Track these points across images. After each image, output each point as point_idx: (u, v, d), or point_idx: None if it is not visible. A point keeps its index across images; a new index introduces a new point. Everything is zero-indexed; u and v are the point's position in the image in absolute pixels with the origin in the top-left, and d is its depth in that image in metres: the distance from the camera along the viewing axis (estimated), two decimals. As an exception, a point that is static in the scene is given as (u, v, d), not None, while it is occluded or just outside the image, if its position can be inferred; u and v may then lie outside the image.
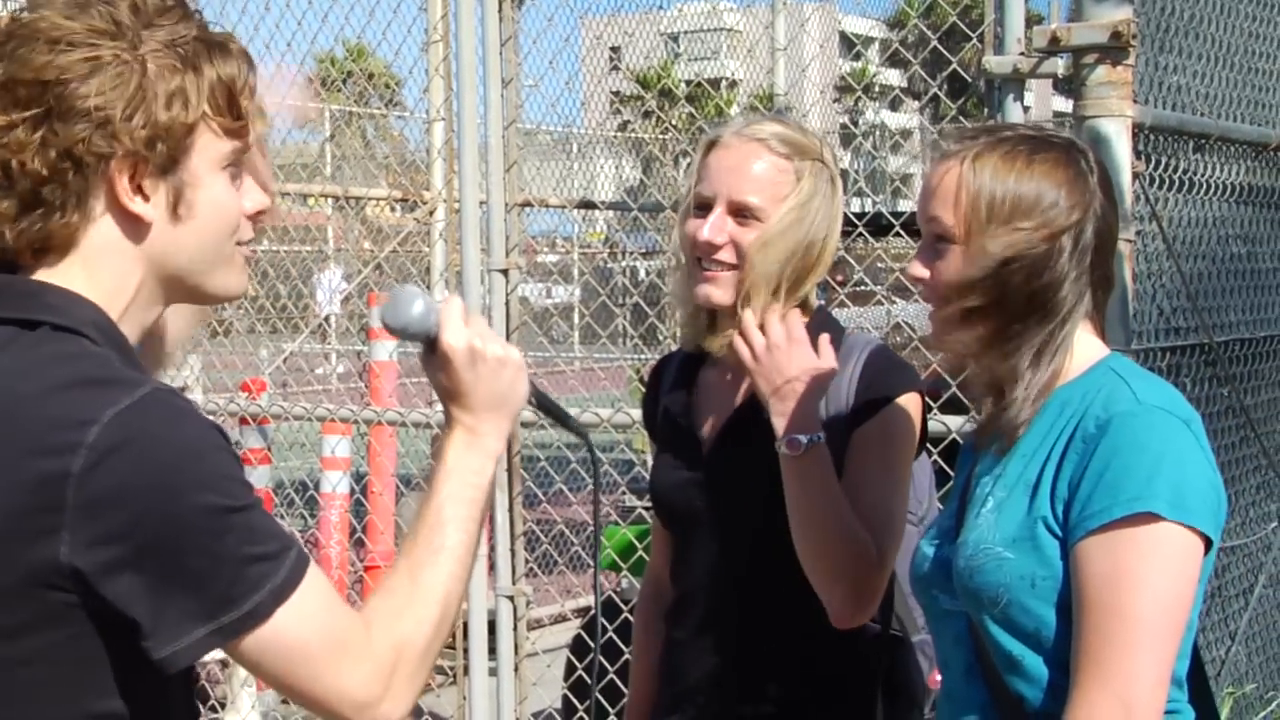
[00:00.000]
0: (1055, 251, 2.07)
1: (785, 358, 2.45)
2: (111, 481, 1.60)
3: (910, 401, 2.56)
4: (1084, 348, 2.13)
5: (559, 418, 2.15)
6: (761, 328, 2.48)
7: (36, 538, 1.61)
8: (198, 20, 1.77)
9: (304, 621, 1.69)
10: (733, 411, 2.63)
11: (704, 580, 2.64)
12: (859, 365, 2.56)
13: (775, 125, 2.59)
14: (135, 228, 1.74)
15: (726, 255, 2.53)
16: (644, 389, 2.94)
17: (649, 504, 2.92)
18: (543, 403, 2.07)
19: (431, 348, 1.95)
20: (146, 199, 1.73)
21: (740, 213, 2.52)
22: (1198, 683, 2.16)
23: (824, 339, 2.49)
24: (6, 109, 1.68)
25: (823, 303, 2.77)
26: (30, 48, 1.68)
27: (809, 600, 2.49)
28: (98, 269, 1.74)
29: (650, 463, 2.83)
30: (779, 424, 2.44)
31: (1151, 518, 1.94)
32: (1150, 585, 1.94)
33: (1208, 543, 1.98)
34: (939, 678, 2.72)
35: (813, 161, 2.57)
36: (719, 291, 2.54)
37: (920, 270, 2.13)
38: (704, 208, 2.55)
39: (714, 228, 2.52)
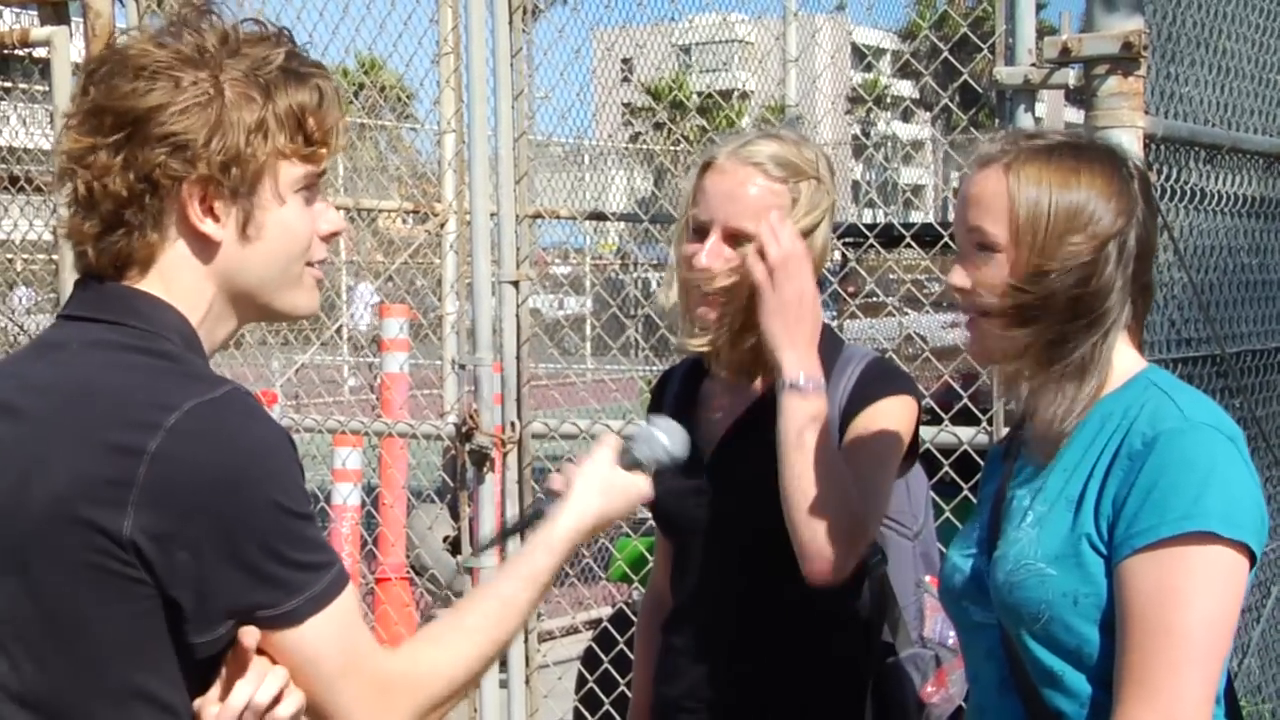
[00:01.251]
0: (1103, 260, 2.04)
1: (806, 305, 2.46)
2: (183, 466, 1.69)
3: (902, 403, 2.58)
4: (1122, 359, 2.10)
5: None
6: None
7: (104, 506, 1.69)
8: (288, 49, 1.85)
9: (331, 635, 1.77)
10: (733, 423, 2.65)
11: (701, 589, 2.66)
12: (855, 373, 2.59)
13: (771, 145, 2.59)
14: (205, 247, 1.83)
15: (721, 280, 2.54)
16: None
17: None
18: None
19: (663, 473, 2.28)
20: (217, 220, 1.82)
21: (735, 238, 2.54)
22: (1229, 699, 2.14)
23: (804, 263, 2.49)
24: (92, 133, 1.79)
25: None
26: (119, 75, 1.78)
27: (805, 609, 2.51)
28: (173, 284, 1.83)
29: None
30: (791, 360, 2.44)
31: (1200, 537, 1.92)
32: (1198, 604, 1.91)
33: (1252, 559, 1.96)
34: (931, 689, 2.73)
35: (808, 180, 2.57)
36: (715, 313, 2.57)
37: (963, 280, 2.10)
38: (701, 231, 2.57)
39: (711, 254, 2.54)
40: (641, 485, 2.23)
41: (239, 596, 1.72)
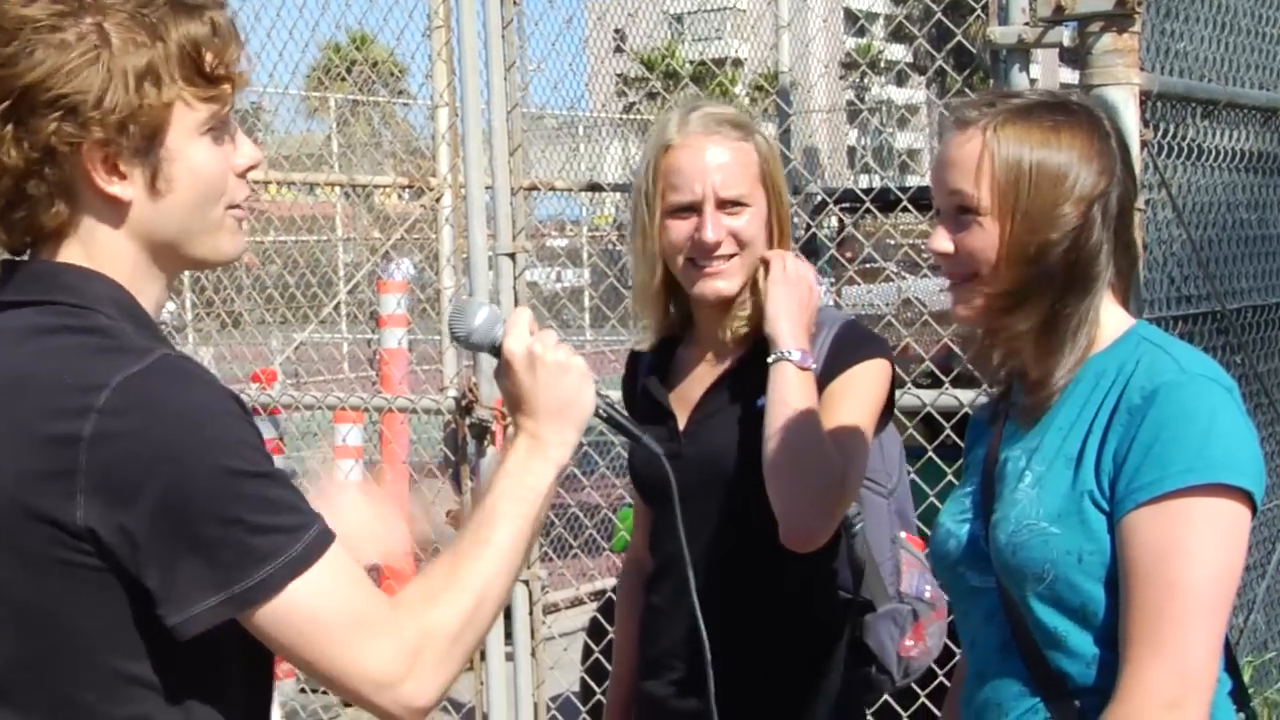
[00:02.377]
0: (1089, 222, 2.03)
1: (811, 294, 2.59)
2: (121, 445, 1.61)
3: (877, 366, 2.63)
4: (1110, 316, 2.10)
5: (628, 433, 2.17)
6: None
7: (54, 498, 1.62)
8: None
9: (321, 596, 1.67)
10: (708, 389, 2.70)
11: (679, 550, 2.67)
12: (829, 338, 2.64)
13: (712, 109, 2.67)
14: (116, 208, 1.73)
15: (728, 248, 2.62)
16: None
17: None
18: (611, 417, 2.08)
19: (499, 357, 1.98)
20: (124, 178, 1.72)
21: (727, 205, 2.61)
22: (1226, 651, 2.14)
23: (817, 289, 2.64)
24: None
25: None
26: None
27: (783, 568, 2.55)
28: (93, 250, 1.74)
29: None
30: (790, 334, 2.54)
31: (1204, 489, 1.91)
32: (1203, 557, 1.91)
33: (1253, 510, 1.96)
34: (909, 644, 2.75)
35: (756, 133, 2.68)
36: (726, 283, 2.63)
37: (945, 244, 2.08)
38: (686, 210, 2.61)
39: (715, 227, 2.60)
40: (574, 363, 1.99)
41: (206, 571, 1.63)
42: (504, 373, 1.97)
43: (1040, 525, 2.02)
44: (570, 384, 1.95)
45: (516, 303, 4.67)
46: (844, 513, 2.57)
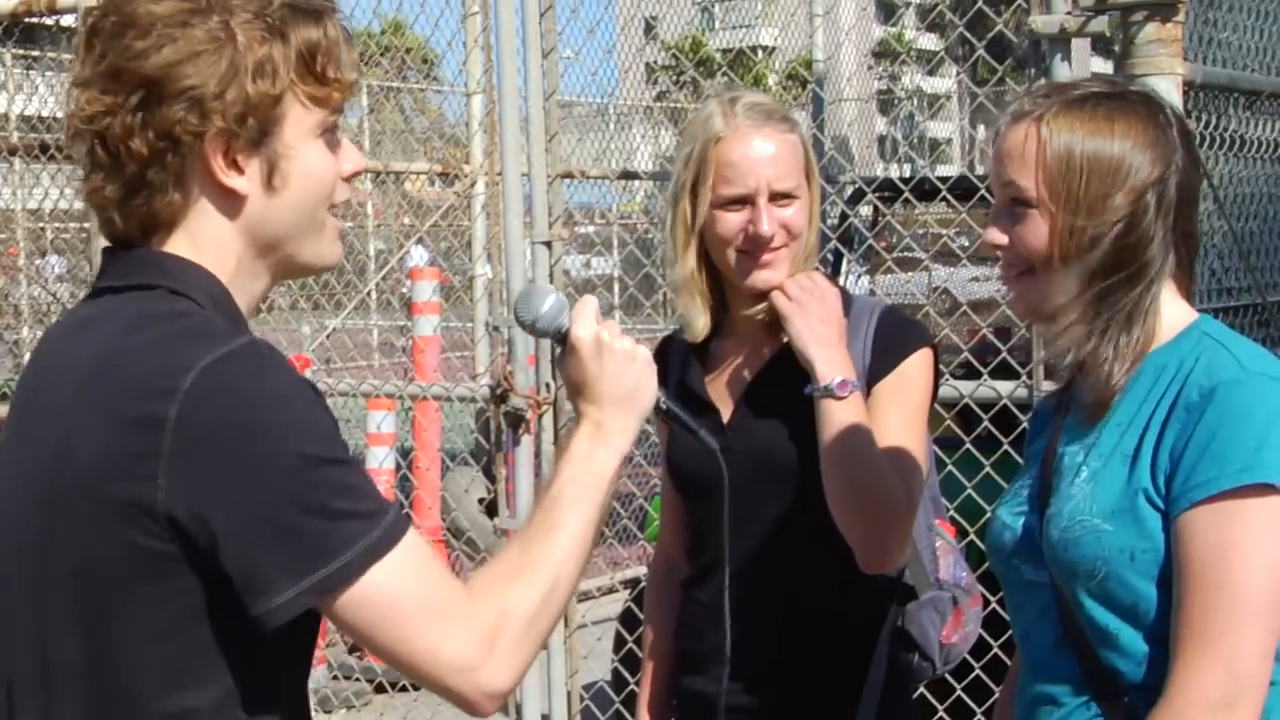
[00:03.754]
0: (1141, 210, 2.01)
1: (828, 307, 2.58)
2: (205, 428, 1.63)
3: (924, 356, 2.66)
4: (1171, 310, 2.07)
5: (685, 426, 2.17)
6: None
7: (134, 481, 1.64)
8: None
9: (400, 582, 1.67)
10: (753, 379, 2.70)
11: (728, 544, 2.66)
12: (872, 326, 2.66)
13: (755, 101, 2.68)
14: (231, 201, 1.79)
15: (780, 239, 2.63)
16: None
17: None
18: (669, 409, 2.09)
19: (563, 344, 2.00)
20: (241, 172, 1.77)
21: (778, 197, 2.62)
22: None
23: (827, 283, 2.64)
24: (108, 93, 1.73)
25: (839, 272, 2.85)
26: (128, 33, 1.73)
27: (828, 561, 2.56)
28: (201, 242, 1.79)
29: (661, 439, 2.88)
30: (827, 370, 2.53)
31: (1260, 489, 1.89)
32: (1259, 557, 1.89)
33: None
34: (949, 631, 2.75)
35: (797, 124, 2.70)
36: (776, 273, 2.64)
37: (999, 236, 2.07)
38: (739, 202, 2.62)
39: (770, 220, 2.61)
40: (634, 350, 2.00)
41: (287, 559, 1.63)
42: (569, 359, 1.97)
43: (1093, 522, 2.00)
44: (635, 372, 1.97)
45: (552, 291, 4.66)
46: (912, 527, 2.59)
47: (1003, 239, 2.07)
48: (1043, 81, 3.44)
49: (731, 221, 2.62)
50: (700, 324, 2.73)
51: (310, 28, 1.78)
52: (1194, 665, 1.89)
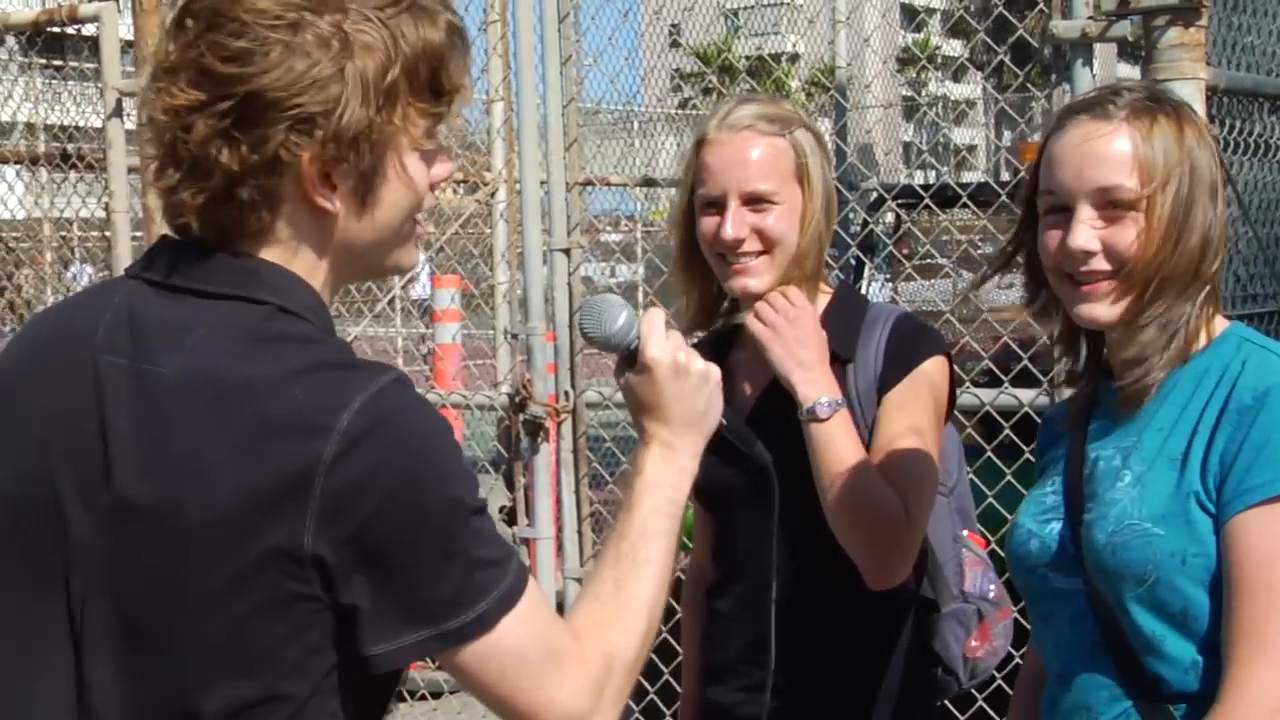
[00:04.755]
0: (1218, 216, 2.03)
1: (804, 326, 2.53)
2: (362, 468, 1.54)
3: (937, 364, 2.59)
4: (1212, 315, 2.08)
5: (744, 443, 2.15)
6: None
7: (278, 523, 1.54)
8: None
9: (526, 632, 1.63)
10: (764, 390, 2.66)
11: (746, 554, 2.66)
12: (885, 333, 2.60)
13: (752, 106, 2.62)
14: (322, 220, 1.65)
15: (752, 245, 2.57)
16: None
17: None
18: (731, 428, 2.07)
19: (630, 360, 1.93)
20: (334, 189, 1.63)
21: (753, 201, 2.56)
22: None
23: (805, 300, 2.56)
24: (196, 89, 1.57)
25: (842, 276, 2.80)
26: (226, 27, 1.57)
27: (840, 570, 2.51)
28: (288, 255, 1.66)
29: None
30: (809, 392, 2.49)
31: None
32: None
33: None
34: (975, 644, 2.71)
35: (800, 128, 2.61)
36: (754, 280, 2.58)
37: (1091, 242, 2.02)
38: (715, 205, 2.58)
39: (735, 224, 2.55)
40: (707, 371, 1.96)
41: (421, 605, 1.57)
42: (641, 379, 1.90)
43: (1143, 526, 1.98)
44: (707, 395, 1.92)
45: (572, 299, 4.65)
46: (919, 541, 2.54)
47: (1095, 244, 2.02)
48: (1059, 97, 3.42)
49: (708, 225, 2.59)
50: (688, 323, 2.71)
51: (429, 29, 1.63)
52: (1249, 670, 1.87)
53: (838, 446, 2.47)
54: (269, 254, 1.65)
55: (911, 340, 2.60)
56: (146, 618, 1.61)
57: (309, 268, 1.67)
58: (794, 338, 2.52)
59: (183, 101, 1.57)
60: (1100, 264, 2.03)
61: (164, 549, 1.58)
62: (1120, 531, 2.00)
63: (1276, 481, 1.89)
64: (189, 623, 1.58)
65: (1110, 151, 2.02)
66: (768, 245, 2.56)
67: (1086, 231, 2.02)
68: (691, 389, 1.90)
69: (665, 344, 1.90)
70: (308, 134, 1.57)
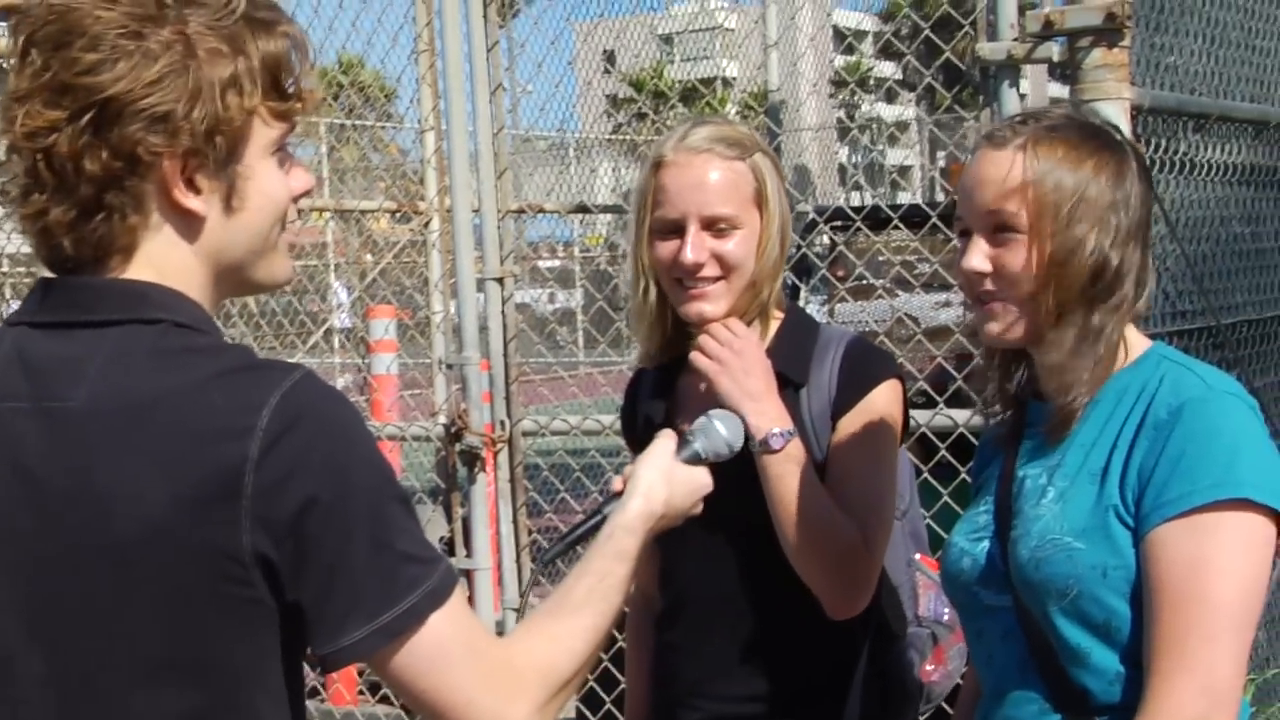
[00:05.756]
0: (1120, 240, 2.05)
1: (749, 358, 2.49)
2: (288, 461, 1.56)
3: (891, 389, 2.56)
4: (1131, 335, 2.12)
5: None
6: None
7: (216, 528, 1.56)
8: None
9: (453, 631, 1.65)
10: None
11: (694, 584, 2.63)
12: (838, 357, 2.57)
13: (708, 128, 2.58)
14: (190, 224, 1.67)
15: (711, 270, 2.53)
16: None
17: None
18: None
19: (711, 461, 2.22)
20: (199, 193, 1.66)
21: (713, 225, 2.52)
22: None
23: (747, 330, 2.54)
24: (53, 108, 1.60)
25: (792, 299, 2.77)
26: (73, 43, 1.60)
27: (797, 598, 2.48)
28: (164, 269, 1.68)
29: None
30: (760, 423, 2.44)
31: (1233, 504, 1.91)
32: (1233, 571, 1.90)
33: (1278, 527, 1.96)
34: (930, 668, 2.71)
35: (758, 152, 2.58)
36: (710, 306, 2.54)
37: (982, 263, 2.07)
38: (672, 230, 2.54)
39: (695, 248, 2.51)
40: (704, 478, 2.20)
41: (356, 599, 1.60)
42: (692, 471, 2.18)
43: (1064, 540, 2.01)
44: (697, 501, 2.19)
45: (506, 327, 4.63)
46: (878, 569, 2.52)
47: (986, 265, 2.08)
48: (987, 118, 3.44)
49: (665, 249, 2.54)
50: (648, 351, 2.68)
51: (269, 39, 1.68)
52: (1170, 681, 1.89)
53: (792, 477, 2.44)
54: (144, 270, 1.67)
55: (864, 365, 2.57)
56: (84, 656, 1.61)
57: (185, 280, 1.69)
58: (740, 369, 2.48)
59: (42, 123, 1.61)
60: (991, 285, 2.08)
61: (101, 576, 1.59)
62: (1042, 546, 2.02)
63: (1193, 494, 1.92)
64: (132, 644, 1.60)
65: (997, 177, 2.06)
66: (726, 270, 2.53)
67: (977, 254, 2.08)
68: (698, 494, 2.17)
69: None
70: (162, 131, 1.61)
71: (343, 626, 1.61)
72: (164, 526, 1.56)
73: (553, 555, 2.20)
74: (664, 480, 2.11)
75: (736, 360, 2.48)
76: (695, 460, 2.21)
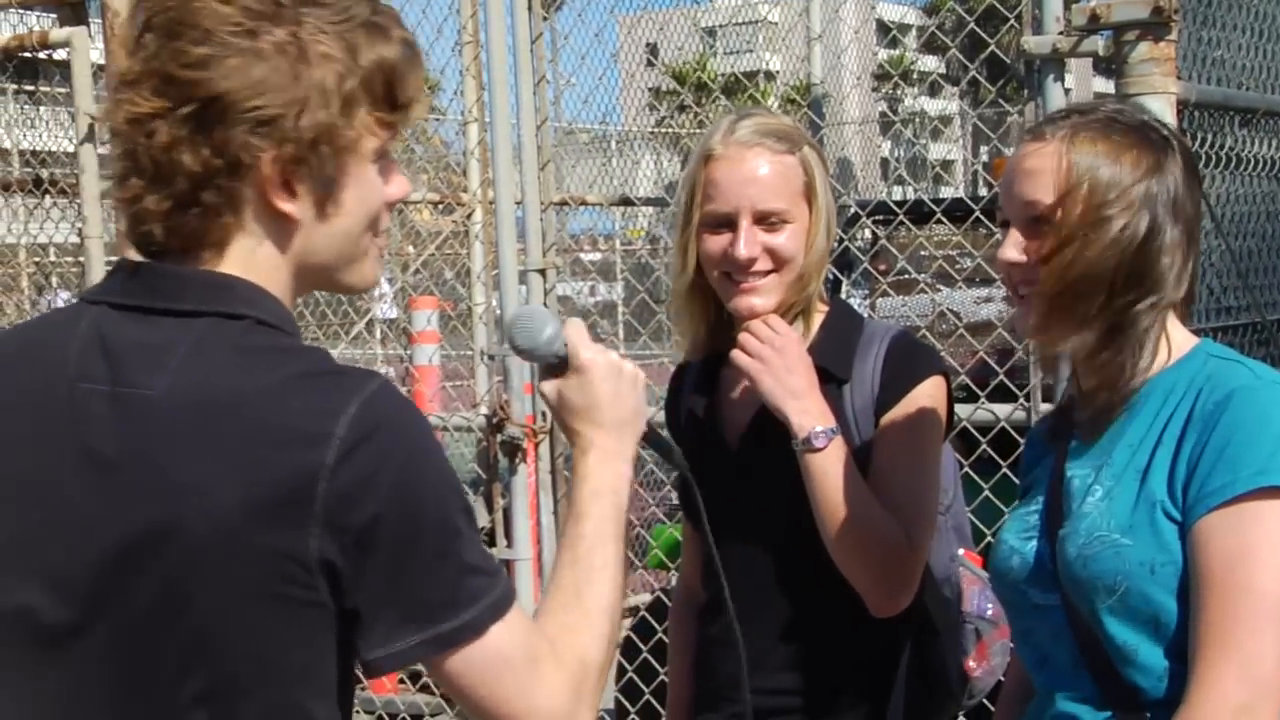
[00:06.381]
0: (1153, 232, 2.04)
1: (791, 356, 2.47)
2: (363, 471, 1.57)
3: (935, 385, 2.56)
4: (1175, 333, 2.10)
5: (664, 449, 2.16)
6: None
7: (284, 531, 1.56)
8: None
9: (512, 640, 1.66)
10: (758, 410, 2.61)
11: (737, 578, 2.62)
12: (882, 352, 2.57)
13: (755, 120, 2.58)
14: (283, 227, 1.68)
15: (762, 264, 2.53)
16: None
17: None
18: (652, 431, 2.06)
19: (556, 369, 1.97)
20: (295, 196, 1.66)
21: (765, 219, 2.53)
22: None
23: (788, 327, 2.52)
24: (159, 97, 1.60)
25: (838, 294, 2.76)
26: (185, 35, 1.60)
27: (839, 593, 2.49)
28: (252, 267, 1.68)
29: None
30: (804, 421, 2.44)
31: (1276, 492, 1.89)
32: (1276, 561, 1.89)
33: None
34: (973, 664, 2.70)
35: (806, 145, 2.58)
36: (761, 300, 2.54)
37: (1017, 254, 2.08)
38: (723, 224, 2.54)
39: (748, 243, 2.52)
40: (622, 367, 1.98)
41: (413, 607, 1.60)
42: (574, 382, 1.94)
43: (1112, 537, 2.00)
44: (638, 395, 1.96)
45: (548, 319, 4.64)
46: (921, 566, 2.52)
47: (1020, 256, 2.08)
48: (1032, 113, 3.43)
49: (715, 242, 2.55)
50: (693, 344, 2.68)
51: (384, 45, 1.67)
52: (1213, 670, 1.88)
53: (835, 476, 2.43)
54: (232, 266, 1.67)
55: (908, 361, 2.56)
56: (145, 644, 1.61)
57: (271, 278, 1.69)
58: (783, 367, 2.47)
59: (146, 110, 1.60)
60: (1026, 276, 2.09)
61: (168, 568, 1.58)
62: (1090, 544, 2.02)
63: (1235, 483, 1.91)
64: (195, 639, 1.60)
65: (1034, 169, 2.07)
66: (777, 264, 2.53)
67: (1012, 246, 2.09)
68: (626, 389, 1.94)
69: (596, 347, 1.94)
70: (267, 136, 1.60)
71: (396, 633, 1.61)
72: (233, 526, 1.56)
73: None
74: (586, 414, 1.94)
75: (778, 359, 2.48)
76: (554, 373, 1.99)
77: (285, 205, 1.65)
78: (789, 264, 2.54)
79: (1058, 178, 2.04)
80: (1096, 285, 2.03)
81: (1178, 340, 2.10)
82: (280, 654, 1.61)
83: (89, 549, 1.62)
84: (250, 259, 1.67)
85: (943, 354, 5.40)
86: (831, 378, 2.55)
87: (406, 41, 1.70)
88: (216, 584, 1.58)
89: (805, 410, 2.45)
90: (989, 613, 2.75)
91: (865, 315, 2.80)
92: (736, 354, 2.51)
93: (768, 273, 2.53)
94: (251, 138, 1.60)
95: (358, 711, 6.87)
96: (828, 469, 2.43)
